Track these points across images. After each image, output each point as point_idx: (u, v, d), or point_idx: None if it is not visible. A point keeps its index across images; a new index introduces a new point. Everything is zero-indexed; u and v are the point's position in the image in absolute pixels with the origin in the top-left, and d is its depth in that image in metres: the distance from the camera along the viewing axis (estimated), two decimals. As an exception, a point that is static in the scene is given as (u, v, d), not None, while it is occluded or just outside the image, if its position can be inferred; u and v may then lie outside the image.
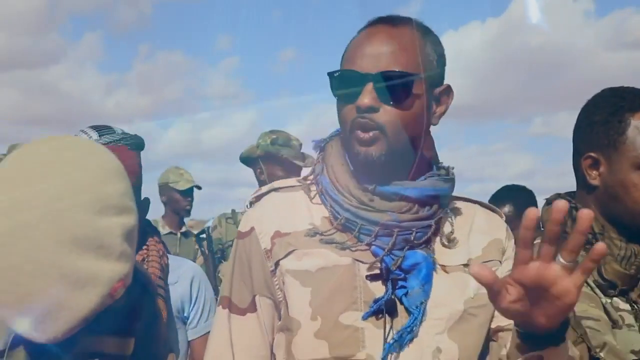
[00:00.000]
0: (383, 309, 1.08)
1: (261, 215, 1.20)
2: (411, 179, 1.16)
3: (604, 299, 1.33)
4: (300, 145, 3.40)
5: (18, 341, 0.93)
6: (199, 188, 4.39)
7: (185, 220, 4.57)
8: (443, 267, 1.15)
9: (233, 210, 3.68)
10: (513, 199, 2.93)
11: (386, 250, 1.10)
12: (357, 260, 1.12)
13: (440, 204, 1.16)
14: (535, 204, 2.92)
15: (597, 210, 1.41)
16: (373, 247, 1.12)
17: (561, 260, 0.84)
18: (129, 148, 1.63)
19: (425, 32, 1.16)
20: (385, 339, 1.08)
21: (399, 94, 1.09)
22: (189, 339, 1.96)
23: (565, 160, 1.50)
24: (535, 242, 1.36)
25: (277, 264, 1.15)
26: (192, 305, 1.93)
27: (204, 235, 3.63)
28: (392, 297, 1.09)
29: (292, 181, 1.25)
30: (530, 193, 3.08)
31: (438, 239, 1.17)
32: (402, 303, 1.10)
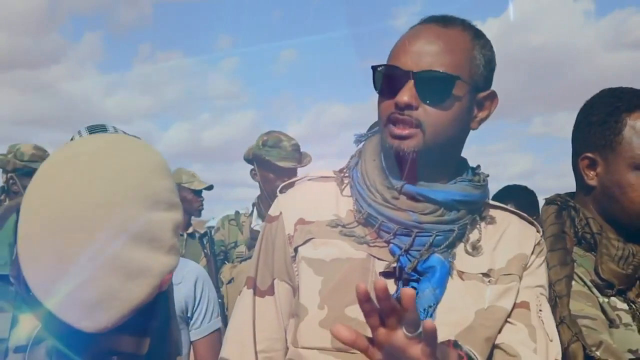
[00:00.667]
0: None
1: (290, 202, 1.22)
2: (442, 181, 1.15)
3: (601, 298, 1.33)
4: (295, 145, 3.38)
5: (41, 337, 0.95)
6: (211, 188, 4.40)
7: (192, 220, 4.57)
8: (460, 273, 1.13)
9: (236, 212, 3.66)
10: (514, 199, 2.93)
11: (403, 250, 1.11)
12: (373, 256, 1.12)
13: (468, 210, 1.15)
14: (536, 204, 2.92)
15: (595, 210, 1.42)
16: (391, 245, 1.12)
17: (404, 331, 0.85)
18: None
19: (476, 35, 1.16)
20: None
21: (439, 94, 1.09)
22: (192, 340, 1.98)
23: (565, 161, 1.51)
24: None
25: (296, 250, 1.17)
26: (195, 306, 1.94)
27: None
28: None
29: (328, 172, 1.26)
30: (532, 193, 3.08)
31: (462, 245, 1.15)
32: None
